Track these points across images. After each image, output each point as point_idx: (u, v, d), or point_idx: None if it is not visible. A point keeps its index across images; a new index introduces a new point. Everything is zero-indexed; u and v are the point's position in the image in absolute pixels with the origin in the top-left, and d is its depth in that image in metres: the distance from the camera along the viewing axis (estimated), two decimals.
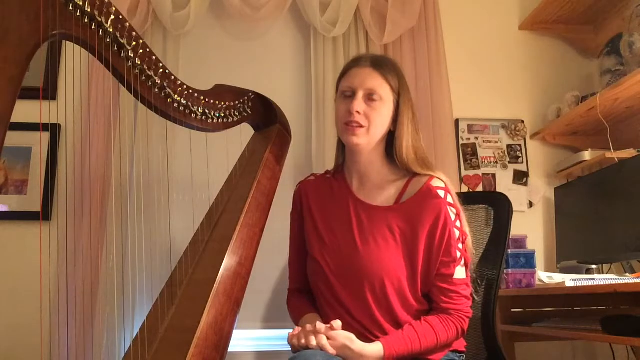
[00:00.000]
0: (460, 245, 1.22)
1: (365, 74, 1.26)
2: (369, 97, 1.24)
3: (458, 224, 1.23)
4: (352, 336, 1.09)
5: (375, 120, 1.24)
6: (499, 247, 1.44)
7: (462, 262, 1.22)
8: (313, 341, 1.06)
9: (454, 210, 1.23)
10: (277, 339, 2.04)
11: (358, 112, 1.23)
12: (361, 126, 1.23)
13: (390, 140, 1.30)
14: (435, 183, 1.24)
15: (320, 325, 1.08)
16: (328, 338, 1.06)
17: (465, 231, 1.25)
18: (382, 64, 1.28)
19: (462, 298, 1.21)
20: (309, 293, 1.36)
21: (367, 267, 1.19)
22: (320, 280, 1.25)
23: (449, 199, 1.23)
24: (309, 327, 1.09)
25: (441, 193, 1.23)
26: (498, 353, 1.37)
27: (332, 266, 1.23)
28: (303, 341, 1.07)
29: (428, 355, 1.18)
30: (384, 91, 1.25)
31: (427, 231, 1.19)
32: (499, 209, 1.48)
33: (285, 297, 1.41)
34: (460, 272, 1.21)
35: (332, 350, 1.05)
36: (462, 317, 1.20)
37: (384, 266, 1.18)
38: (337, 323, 1.09)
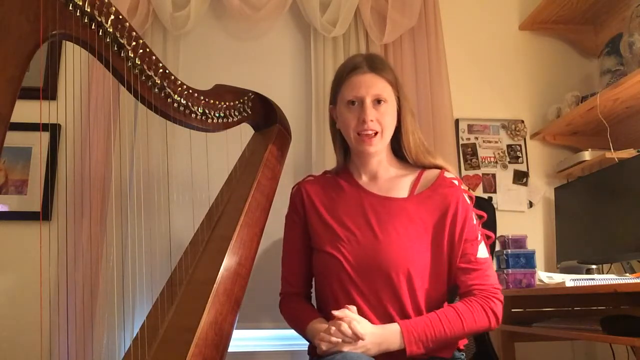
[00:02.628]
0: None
1: (368, 80, 1.27)
2: (376, 102, 1.26)
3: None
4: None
5: (386, 123, 1.27)
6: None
7: (482, 241, 1.24)
8: (344, 326, 1.08)
9: (468, 196, 1.28)
10: (277, 339, 2.04)
11: (371, 120, 1.24)
12: (375, 134, 1.26)
13: (394, 135, 1.32)
14: (448, 175, 1.30)
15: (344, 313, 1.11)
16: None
17: (483, 212, 1.29)
18: (379, 65, 1.29)
19: (486, 277, 1.20)
20: (307, 297, 1.36)
21: (393, 257, 1.18)
22: (335, 275, 1.22)
23: (462, 187, 1.29)
24: (334, 328, 1.11)
25: (455, 182, 1.28)
26: (489, 349, 1.38)
27: (351, 260, 1.21)
28: (334, 339, 1.08)
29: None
30: (388, 92, 1.28)
31: (449, 218, 1.22)
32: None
33: None
34: (482, 251, 1.23)
35: (362, 335, 1.08)
36: (489, 297, 1.18)
37: (408, 255, 1.19)
38: (353, 308, 1.12)
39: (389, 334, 1.12)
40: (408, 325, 1.12)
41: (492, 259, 1.48)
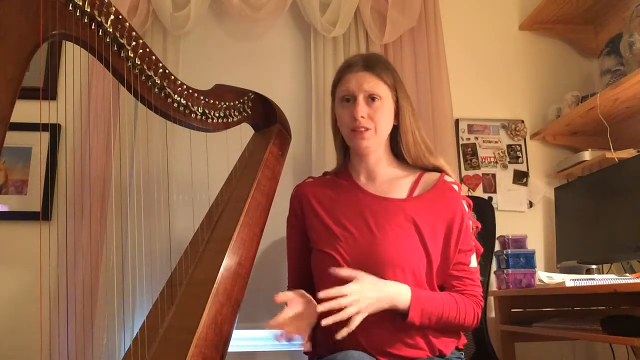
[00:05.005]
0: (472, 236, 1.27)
1: (360, 78, 1.27)
2: (370, 99, 1.26)
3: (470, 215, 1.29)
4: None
5: (380, 120, 1.27)
6: (485, 249, 1.48)
7: (474, 252, 1.27)
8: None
9: (466, 203, 1.29)
10: None
11: (362, 117, 1.25)
12: (368, 129, 1.25)
13: (394, 136, 1.32)
14: (448, 179, 1.30)
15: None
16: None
17: (478, 222, 1.30)
18: (374, 64, 1.30)
19: (476, 286, 1.24)
20: (307, 290, 1.36)
21: (389, 255, 1.19)
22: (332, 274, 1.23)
23: (462, 193, 1.29)
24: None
25: (455, 187, 1.28)
26: (488, 349, 1.39)
27: (348, 258, 1.21)
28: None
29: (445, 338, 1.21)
30: (382, 90, 1.27)
31: (446, 223, 1.23)
32: (482, 213, 1.52)
33: None
34: (473, 261, 1.26)
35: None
36: (477, 303, 1.23)
37: (404, 253, 1.19)
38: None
39: (399, 287, 1.13)
40: (417, 292, 1.15)
41: (491, 263, 1.50)
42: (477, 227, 1.30)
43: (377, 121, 1.26)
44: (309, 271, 1.33)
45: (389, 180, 1.32)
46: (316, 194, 1.35)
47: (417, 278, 1.19)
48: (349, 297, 1.08)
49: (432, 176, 1.30)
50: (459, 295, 1.21)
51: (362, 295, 1.09)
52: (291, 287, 1.38)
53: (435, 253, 1.21)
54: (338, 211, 1.29)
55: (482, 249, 1.30)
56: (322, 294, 1.08)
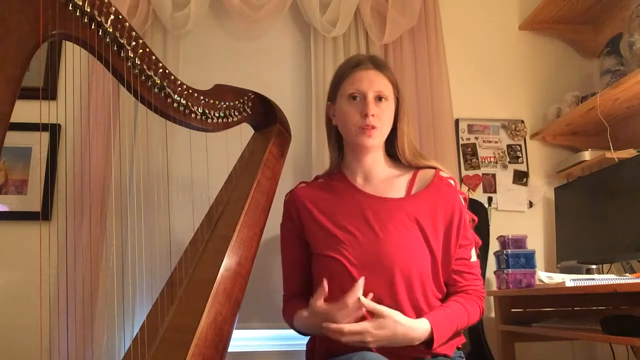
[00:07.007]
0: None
1: (372, 76, 1.29)
2: (377, 99, 1.28)
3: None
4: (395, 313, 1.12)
5: (385, 120, 1.29)
6: (480, 250, 1.48)
7: (473, 245, 1.29)
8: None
9: (462, 198, 1.31)
10: (276, 339, 2.04)
11: (372, 115, 1.26)
12: (375, 128, 1.27)
13: (388, 137, 1.33)
14: (444, 174, 1.32)
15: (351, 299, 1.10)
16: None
17: (474, 216, 1.33)
18: (382, 64, 1.33)
19: (477, 279, 1.27)
20: (307, 298, 1.36)
21: (395, 255, 1.19)
22: (337, 277, 1.21)
23: (458, 188, 1.31)
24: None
25: (452, 182, 1.31)
26: (484, 348, 1.40)
27: (354, 261, 1.20)
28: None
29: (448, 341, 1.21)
30: (389, 91, 1.30)
31: (446, 219, 1.24)
32: (476, 215, 1.53)
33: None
34: (473, 255, 1.28)
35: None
36: (480, 297, 1.26)
37: (410, 253, 1.20)
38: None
39: (415, 328, 1.13)
40: (435, 320, 1.15)
41: (486, 265, 1.52)
42: (473, 220, 1.32)
43: (383, 121, 1.28)
44: (309, 277, 1.32)
45: (386, 180, 1.32)
46: (312, 198, 1.34)
47: (423, 277, 1.20)
48: (357, 337, 1.10)
49: (427, 173, 1.32)
50: (463, 297, 1.22)
51: (372, 336, 1.10)
52: (290, 295, 1.38)
53: (437, 249, 1.22)
54: (338, 214, 1.28)
55: (480, 242, 1.33)
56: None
